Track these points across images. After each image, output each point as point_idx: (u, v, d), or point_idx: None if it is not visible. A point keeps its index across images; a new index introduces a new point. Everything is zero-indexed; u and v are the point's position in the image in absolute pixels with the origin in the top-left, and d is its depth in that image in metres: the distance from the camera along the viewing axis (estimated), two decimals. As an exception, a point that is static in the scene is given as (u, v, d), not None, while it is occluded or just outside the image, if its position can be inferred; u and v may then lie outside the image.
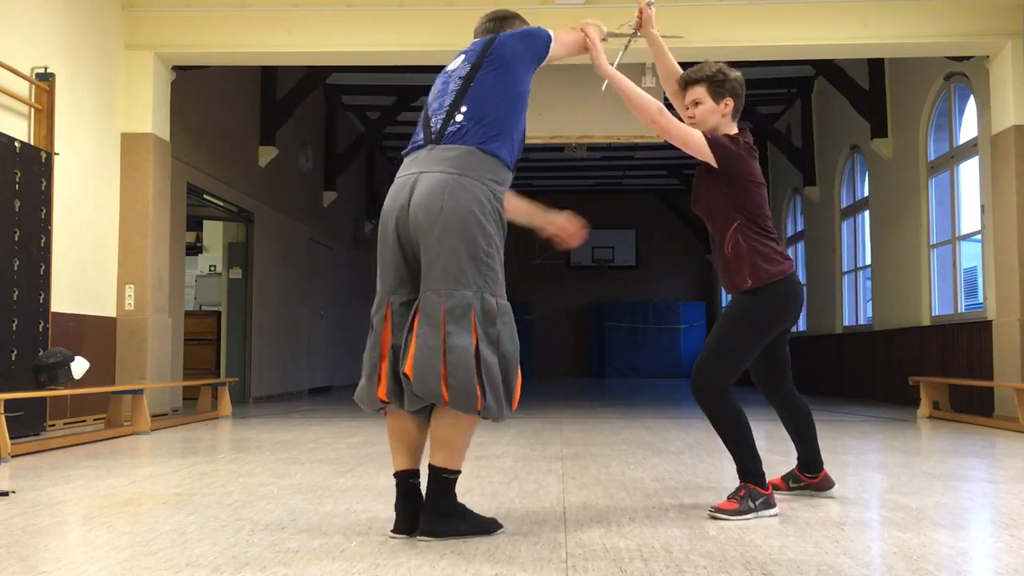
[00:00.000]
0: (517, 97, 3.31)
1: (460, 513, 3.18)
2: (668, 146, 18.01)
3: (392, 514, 3.27)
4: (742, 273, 3.66)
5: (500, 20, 3.57)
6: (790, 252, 16.67)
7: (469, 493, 4.18)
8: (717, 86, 3.73)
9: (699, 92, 3.75)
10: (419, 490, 3.23)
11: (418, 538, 3.12)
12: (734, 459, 3.66)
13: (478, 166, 3.13)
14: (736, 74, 3.77)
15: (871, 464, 5.20)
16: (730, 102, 3.76)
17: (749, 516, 3.50)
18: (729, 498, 3.58)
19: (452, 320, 3.01)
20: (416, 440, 3.23)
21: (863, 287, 13.23)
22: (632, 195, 24.03)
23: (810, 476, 4.10)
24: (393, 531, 3.18)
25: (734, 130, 3.82)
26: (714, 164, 3.68)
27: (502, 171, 3.20)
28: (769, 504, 3.57)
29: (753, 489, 3.56)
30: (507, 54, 3.33)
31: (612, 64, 3.66)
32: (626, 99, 3.61)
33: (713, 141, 3.67)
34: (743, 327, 3.66)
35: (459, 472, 3.17)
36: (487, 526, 3.22)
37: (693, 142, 3.65)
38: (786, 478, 4.18)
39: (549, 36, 3.46)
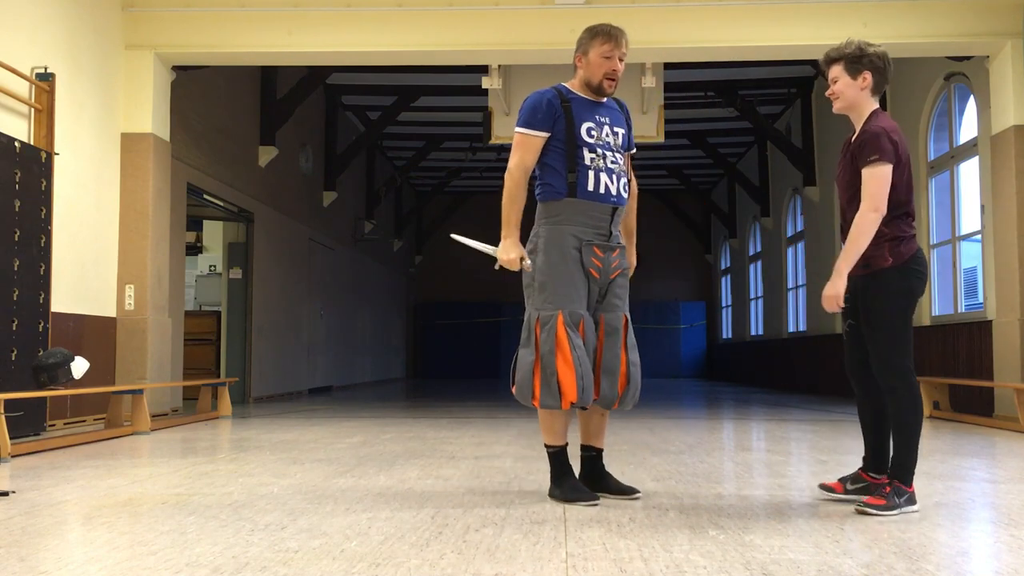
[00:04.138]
0: None
1: (558, 482, 3.96)
2: (668, 146, 18.08)
3: (391, 513, 3.29)
4: (882, 252, 3.74)
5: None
6: (789, 252, 16.69)
7: (469, 493, 4.19)
8: (854, 62, 3.83)
9: (837, 70, 3.87)
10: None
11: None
12: (895, 449, 3.72)
13: None
14: (875, 48, 3.86)
15: (871, 464, 5.20)
16: (868, 76, 3.83)
17: (895, 512, 3.59)
18: (876, 494, 3.66)
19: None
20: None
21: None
22: (632, 195, 24.00)
23: (875, 477, 3.97)
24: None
25: (874, 104, 3.88)
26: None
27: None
28: (912, 500, 3.68)
29: (899, 486, 3.65)
30: None
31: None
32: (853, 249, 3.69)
33: (881, 160, 3.69)
34: (896, 305, 3.73)
35: (549, 446, 4.00)
36: (571, 496, 3.88)
37: (882, 178, 3.68)
38: (844, 480, 4.08)
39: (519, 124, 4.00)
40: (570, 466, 4.01)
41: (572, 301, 3.87)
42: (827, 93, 3.95)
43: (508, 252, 3.86)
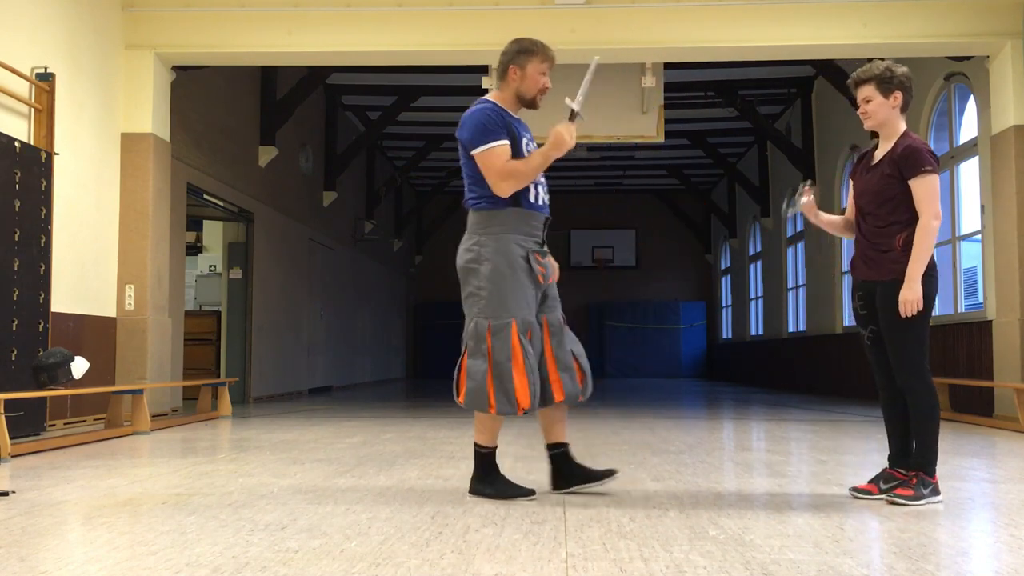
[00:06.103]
0: None
1: (489, 480, 4.01)
2: (668, 146, 18.08)
3: (391, 513, 3.35)
4: (907, 259, 3.93)
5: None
6: (789, 252, 16.69)
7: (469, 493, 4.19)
8: (885, 83, 4.03)
9: (869, 90, 4.06)
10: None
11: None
12: (917, 443, 3.96)
13: None
14: (903, 69, 4.06)
15: (871, 464, 5.20)
16: (899, 96, 4.04)
17: (922, 502, 3.83)
18: (904, 485, 3.91)
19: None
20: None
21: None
22: (632, 195, 24.04)
23: (904, 473, 4.03)
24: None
25: (904, 121, 4.09)
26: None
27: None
28: (936, 491, 3.91)
29: (924, 478, 3.90)
30: None
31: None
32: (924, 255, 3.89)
33: (933, 170, 3.94)
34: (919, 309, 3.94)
35: (483, 447, 4.03)
36: (509, 492, 3.95)
37: (935, 187, 3.94)
38: (876, 480, 4.09)
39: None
40: (497, 465, 4.09)
41: (522, 309, 3.92)
42: (859, 112, 4.12)
43: (565, 134, 3.93)
